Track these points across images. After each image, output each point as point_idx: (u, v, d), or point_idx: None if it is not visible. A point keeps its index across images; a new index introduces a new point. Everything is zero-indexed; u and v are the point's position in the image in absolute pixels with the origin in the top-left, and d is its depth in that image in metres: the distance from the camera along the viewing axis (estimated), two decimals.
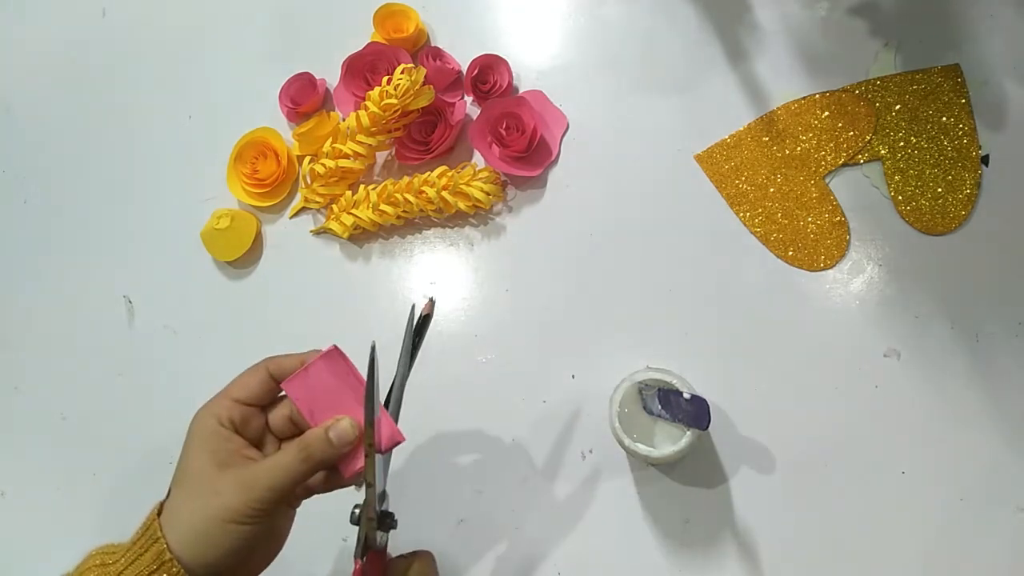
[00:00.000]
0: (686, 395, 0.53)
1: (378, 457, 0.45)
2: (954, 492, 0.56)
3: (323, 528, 0.54)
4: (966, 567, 0.55)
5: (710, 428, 0.53)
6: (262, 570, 0.46)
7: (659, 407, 0.54)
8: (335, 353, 0.47)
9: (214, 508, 0.42)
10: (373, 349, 0.45)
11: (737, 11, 0.71)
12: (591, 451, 0.62)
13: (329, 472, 0.47)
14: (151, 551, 0.42)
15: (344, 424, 0.45)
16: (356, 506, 0.46)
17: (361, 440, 0.46)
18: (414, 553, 0.51)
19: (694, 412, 0.52)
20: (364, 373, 0.46)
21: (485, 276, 0.69)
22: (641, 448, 0.53)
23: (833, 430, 0.59)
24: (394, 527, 0.48)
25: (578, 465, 0.61)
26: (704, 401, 0.52)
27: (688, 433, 0.53)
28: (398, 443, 0.46)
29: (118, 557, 0.43)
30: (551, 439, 0.62)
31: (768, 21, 0.70)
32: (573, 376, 0.64)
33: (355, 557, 0.45)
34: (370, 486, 0.45)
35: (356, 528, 0.46)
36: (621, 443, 0.54)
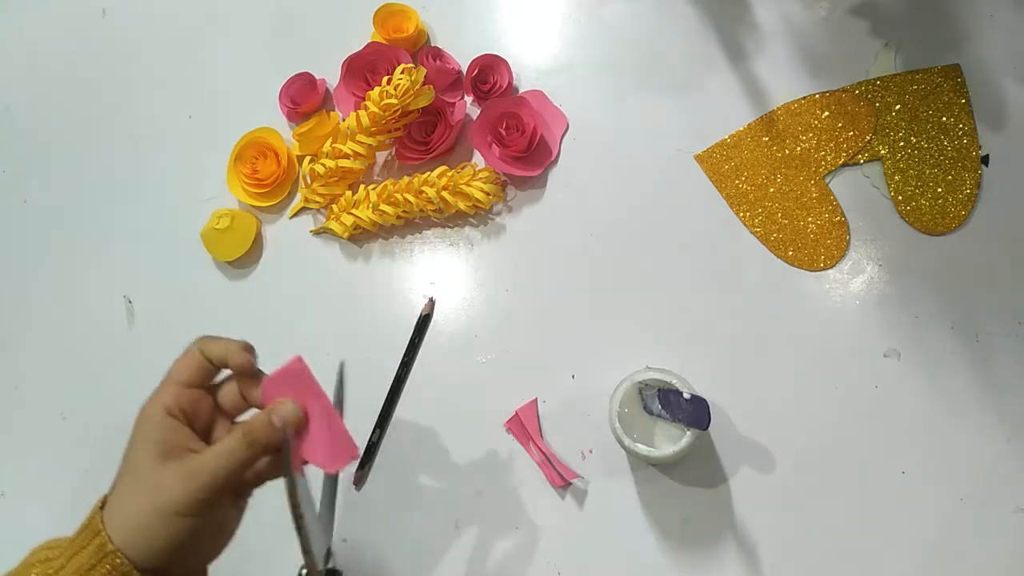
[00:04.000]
0: (686, 395, 0.53)
1: (319, 518, 0.44)
2: (954, 492, 0.56)
3: None
4: (966, 567, 0.55)
5: (710, 428, 0.53)
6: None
7: (659, 407, 0.54)
8: (300, 365, 0.46)
9: (157, 501, 0.41)
10: (342, 368, 0.44)
11: (737, 11, 0.71)
12: (591, 451, 0.62)
13: (275, 457, 0.45)
14: (93, 544, 0.41)
15: (287, 406, 0.44)
16: (302, 567, 0.45)
17: (306, 426, 0.44)
18: None
19: (694, 412, 0.52)
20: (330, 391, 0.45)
21: (485, 276, 0.69)
22: (641, 448, 0.53)
23: (833, 430, 0.59)
24: None
25: (578, 465, 0.61)
26: (704, 401, 0.52)
27: (688, 433, 0.53)
28: (353, 457, 0.45)
29: (61, 551, 0.43)
30: (551, 439, 0.62)
31: (768, 21, 0.70)
32: (573, 376, 0.64)
33: None
34: (307, 552, 0.43)
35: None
36: (621, 443, 0.54)
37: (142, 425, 0.45)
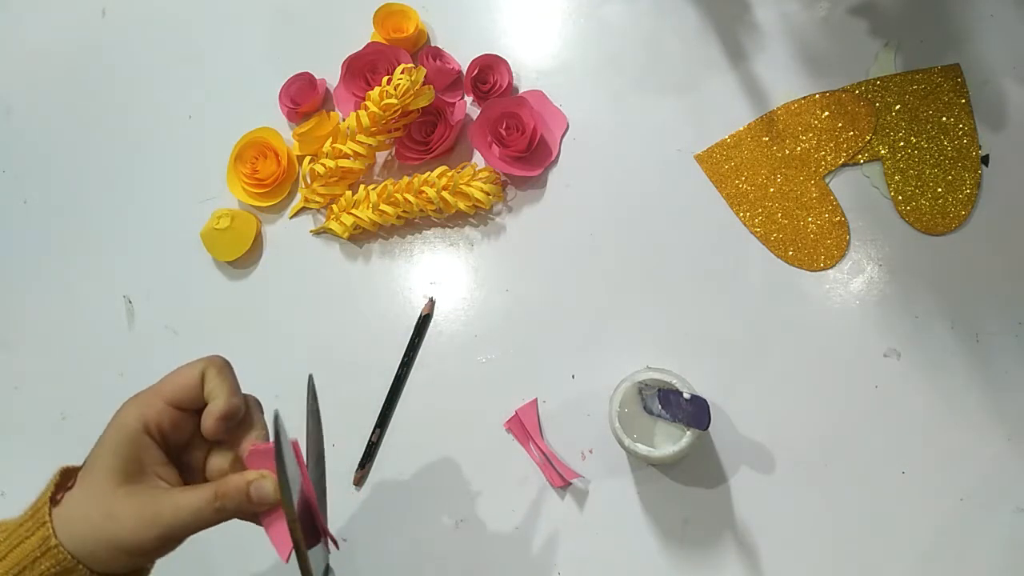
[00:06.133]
0: (686, 395, 0.53)
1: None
2: (954, 492, 0.56)
3: None
4: (966, 567, 0.55)
5: (710, 428, 0.53)
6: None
7: (659, 407, 0.54)
8: (296, 448, 0.43)
9: (108, 531, 0.40)
10: (277, 418, 0.42)
11: (737, 11, 0.71)
12: (591, 451, 0.62)
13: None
14: (37, 535, 0.40)
15: (268, 484, 0.41)
16: None
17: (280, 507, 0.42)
18: None
19: (694, 412, 0.52)
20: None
21: (485, 276, 0.69)
22: (641, 448, 0.53)
23: (833, 430, 0.59)
24: None
25: (578, 465, 0.61)
26: (704, 401, 0.52)
27: (688, 433, 0.53)
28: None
29: (4, 536, 0.41)
30: (551, 439, 0.63)
31: (768, 21, 0.70)
32: (573, 376, 0.64)
33: None
34: (301, 555, 0.41)
35: None
36: (621, 443, 0.54)
37: (115, 433, 0.43)
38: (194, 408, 0.45)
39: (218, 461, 0.45)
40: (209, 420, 0.43)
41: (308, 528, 0.42)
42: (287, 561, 0.41)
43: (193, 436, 0.45)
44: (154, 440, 0.43)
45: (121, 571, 0.42)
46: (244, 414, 0.45)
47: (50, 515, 0.41)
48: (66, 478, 0.44)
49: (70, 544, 0.40)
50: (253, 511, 0.42)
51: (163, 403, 0.43)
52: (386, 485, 0.64)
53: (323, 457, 0.48)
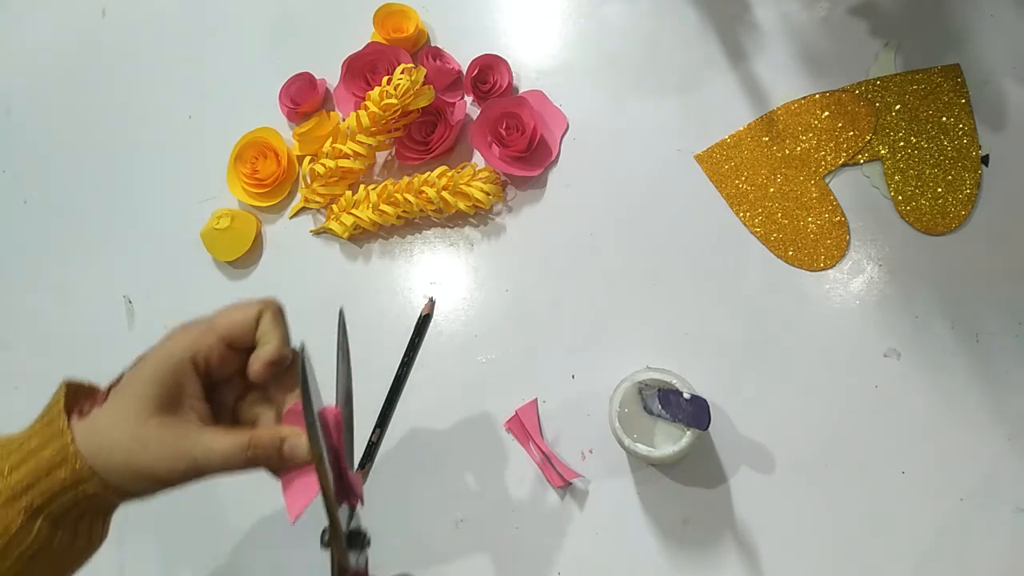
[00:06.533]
0: (686, 395, 0.53)
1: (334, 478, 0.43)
2: (954, 492, 0.56)
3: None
4: (966, 567, 0.55)
5: (710, 428, 0.53)
6: None
7: (659, 407, 0.54)
8: (338, 418, 0.45)
9: (134, 457, 0.40)
10: (303, 350, 0.43)
11: (737, 11, 0.71)
12: (591, 451, 0.62)
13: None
14: (54, 446, 0.40)
15: (302, 443, 0.42)
16: (325, 529, 0.44)
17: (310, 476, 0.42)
18: None
19: (694, 412, 0.52)
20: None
21: (485, 276, 0.69)
22: (641, 448, 0.53)
23: (833, 430, 0.59)
24: (368, 545, 0.46)
25: (578, 465, 0.61)
26: (704, 401, 0.52)
27: (688, 433, 0.53)
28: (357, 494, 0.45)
29: (15, 447, 0.40)
30: (551, 439, 0.62)
31: (768, 21, 0.70)
32: (573, 376, 0.64)
33: None
34: (331, 508, 0.42)
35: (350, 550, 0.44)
36: (621, 443, 0.54)
37: (160, 362, 0.42)
38: (243, 347, 0.44)
39: (252, 407, 0.46)
40: (257, 363, 0.43)
41: (337, 488, 0.42)
42: (293, 523, 0.42)
43: (233, 375, 0.45)
44: (198, 373, 0.43)
45: (134, 493, 0.42)
46: (289, 365, 0.45)
47: (69, 426, 0.40)
48: (75, 392, 0.43)
49: (92, 459, 0.40)
50: (281, 467, 0.42)
51: (216, 338, 0.43)
52: (386, 485, 0.64)
53: (351, 396, 0.48)
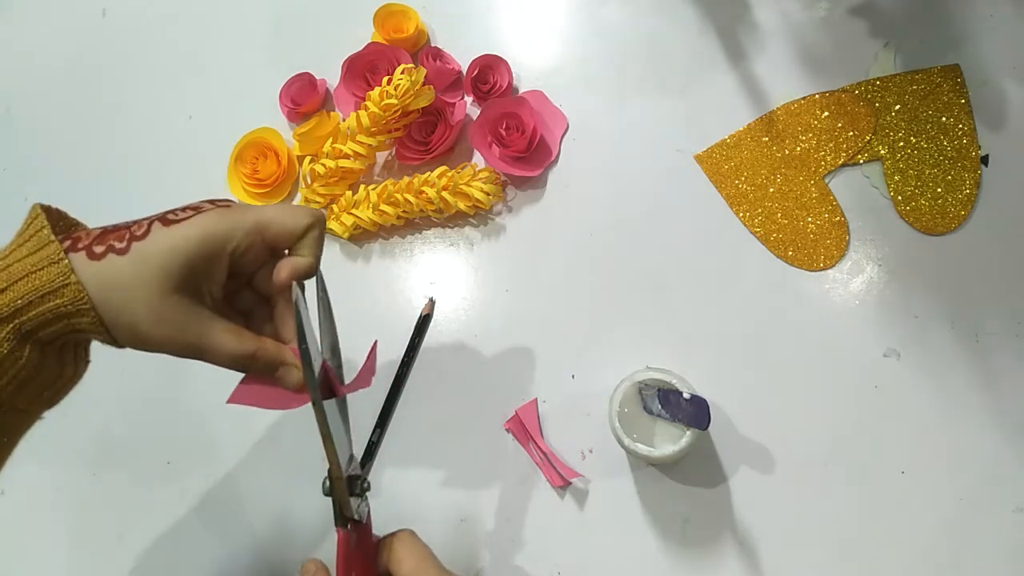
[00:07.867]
0: (686, 395, 0.53)
1: (337, 416, 0.45)
2: (954, 492, 0.56)
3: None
4: (966, 567, 0.55)
5: (710, 428, 0.53)
6: None
7: (659, 407, 0.54)
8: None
9: (143, 322, 0.39)
10: (300, 289, 0.43)
11: (737, 11, 0.71)
12: (591, 451, 0.62)
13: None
14: (52, 271, 0.38)
15: (294, 376, 0.44)
16: (326, 477, 0.45)
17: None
18: (394, 533, 0.49)
19: (694, 412, 0.52)
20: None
21: (485, 276, 0.69)
22: (641, 448, 0.53)
23: (833, 430, 0.59)
24: (367, 490, 0.47)
25: (578, 465, 0.61)
26: (704, 401, 0.52)
27: (688, 433, 0.53)
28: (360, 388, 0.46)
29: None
30: (551, 439, 0.62)
31: (768, 21, 0.70)
32: (573, 376, 0.64)
33: (336, 526, 0.45)
34: (327, 442, 0.43)
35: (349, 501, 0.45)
36: (621, 443, 0.54)
37: (199, 239, 0.41)
38: (279, 250, 0.44)
39: (263, 319, 0.46)
40: (285, 271, 0.43)
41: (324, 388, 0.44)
42: (227, 403, 0.44)
43: (252, 275, 0.45)
44: (229, 261, 0.42)
45: (122, 345, 0.41)
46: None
47: (65, 255, 0.39)
48: (57, 218, 0.43)
49: (99, 306, 0.39)
50: (270, 381, 0.44)
51: (258, 232, 0.42)
52: (386, 485, 0.64)
53: (338, 348, 0.49)
